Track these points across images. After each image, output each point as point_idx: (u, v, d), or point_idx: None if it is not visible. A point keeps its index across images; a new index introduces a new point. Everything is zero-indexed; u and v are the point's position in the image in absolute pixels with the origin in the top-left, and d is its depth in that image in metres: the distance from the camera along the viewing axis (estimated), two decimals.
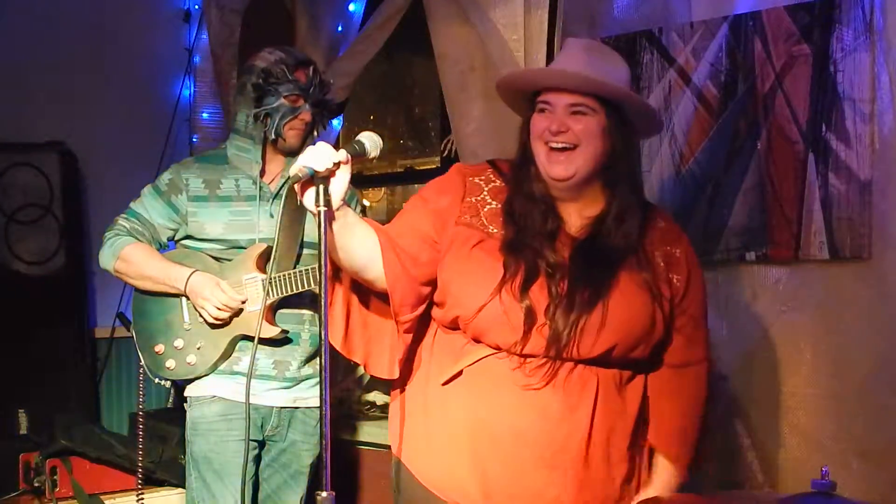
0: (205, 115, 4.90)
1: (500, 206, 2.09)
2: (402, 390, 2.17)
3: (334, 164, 1.86)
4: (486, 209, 2.09)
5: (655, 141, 3.32)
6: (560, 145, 2.01)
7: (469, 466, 2.03)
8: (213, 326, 2.92)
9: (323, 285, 1.81)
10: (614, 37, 3.44)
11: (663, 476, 2.19)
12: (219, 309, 2.87)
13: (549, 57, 3.70)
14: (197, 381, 2.97)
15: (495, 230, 2.06)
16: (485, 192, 2.12)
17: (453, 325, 2.06)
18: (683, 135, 3.25)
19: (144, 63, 4.84)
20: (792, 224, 3.01)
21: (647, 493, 2.16)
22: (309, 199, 1.87)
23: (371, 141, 1.96)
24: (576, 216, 2.09)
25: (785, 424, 3.07)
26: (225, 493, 2.90)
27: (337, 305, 2.03)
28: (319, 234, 1.84)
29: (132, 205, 3.04)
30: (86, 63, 4.60)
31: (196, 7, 4.86)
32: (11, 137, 4.38)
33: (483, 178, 2.14)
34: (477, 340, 2.03)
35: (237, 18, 4.54)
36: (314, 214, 1.87)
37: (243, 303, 2.90)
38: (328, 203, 1.85)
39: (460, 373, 2.03)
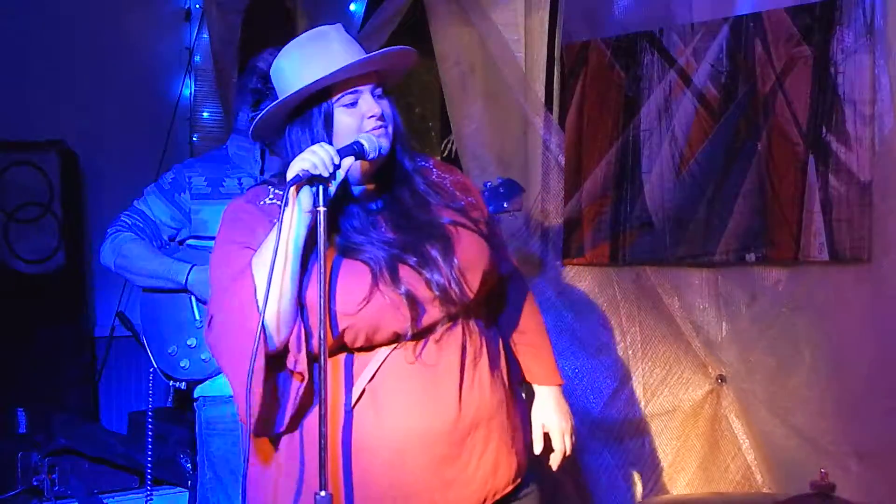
0: (205, 114, 4.91)
1: None
2: (277, 441, 2.01)
3: (334, 166, 1.86)
4: None
5: (656, 142, 3.33)
6: (384, 129, 2.00)
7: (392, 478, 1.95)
8: None
9: (321, 286, 1.81)
10: (615, 37, 3.45)
11: (542, 398, 2.23)
12: None
13: (550, 57, 3.70)
14: (210, 381, 2.97)
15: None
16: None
17: (338, 345, 1.96)
18: (684, 136, 3.26)
19: (145, 62, 4.85)
20: (792, 225, 3.02)
21: (544, 419, 2.20)
22: (305, 199, 1.87)
23: (370, 142, 1.97)
24: (371, 196, 2.06)
25: (784, 425, 3.07)
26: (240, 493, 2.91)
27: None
28: (318, 235, 1.84)
29: (135, 202, 3.04)
30: (86, 62, 4.61)
31: (197, 6, 4.87)
32: (11, 136, 4.38)
33: (272, 197, 2.03)
34: (368, 346, 1.96)
35: (238, 18, 4.55)
36: (307, 213, 1.87)
37: None
38: (327, 202, 1.84)
39: (363, 392, 1.95)
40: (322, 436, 1.78)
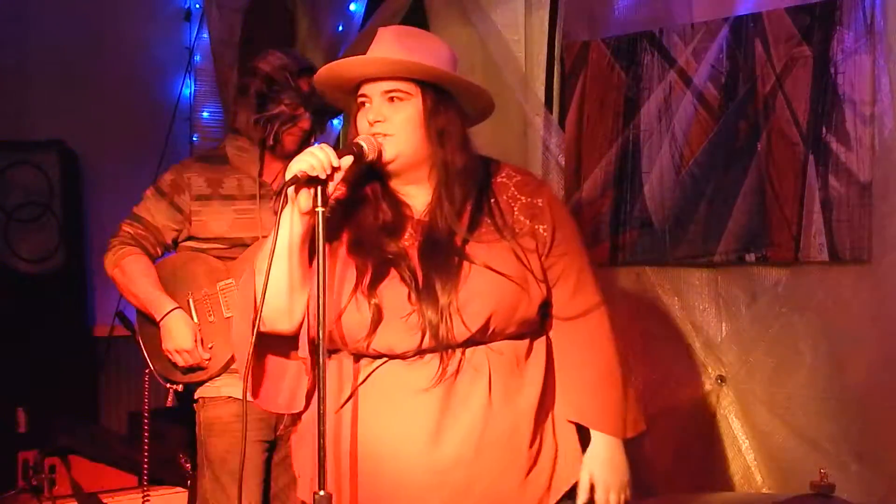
0: (205, 114, 4.91)
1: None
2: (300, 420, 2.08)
3: (333, 168, 1.86)
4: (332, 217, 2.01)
5: (656, 142, 3.33)
6: (380, 134, 1.96)
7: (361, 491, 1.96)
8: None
9: (321, 286, 1.81)
10: (615, 37, 3.45)
11: (595, 447, 2.05)
12: (181, 358, 2.90)
13: (550, 57, 3.70)
14: (210, 382, 2.97)
15: (344, 236, 2.01)
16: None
17: (332, 345, 1.97)
18: (684, 136, 3.26)
19: (144, 62, 4.85)
20: (792, 226, 3.02)
21: (592, 469, 2.04)
22: (303, 199, 1.86)
23: (368, 143, 1.96)
24: (421, 201, 2.03)
25: (784, 426, 3.07)
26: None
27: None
28: (316, 235, 1.84)
29: (135, 209, 3.03)
30: (86, 62, 4.61)
31: (197, 6, 4.87)
32: (11, 136, 4.38)
33: None
34: (360, 354, 1.97)
35: (238, 17, 4.55)
36: (304, 215, 1.87)
37: (207, 360, 2.91)
38: (325, 203, 1.84)
39: (352, 395, 1.97)
40: (321, 434, 1.79)
